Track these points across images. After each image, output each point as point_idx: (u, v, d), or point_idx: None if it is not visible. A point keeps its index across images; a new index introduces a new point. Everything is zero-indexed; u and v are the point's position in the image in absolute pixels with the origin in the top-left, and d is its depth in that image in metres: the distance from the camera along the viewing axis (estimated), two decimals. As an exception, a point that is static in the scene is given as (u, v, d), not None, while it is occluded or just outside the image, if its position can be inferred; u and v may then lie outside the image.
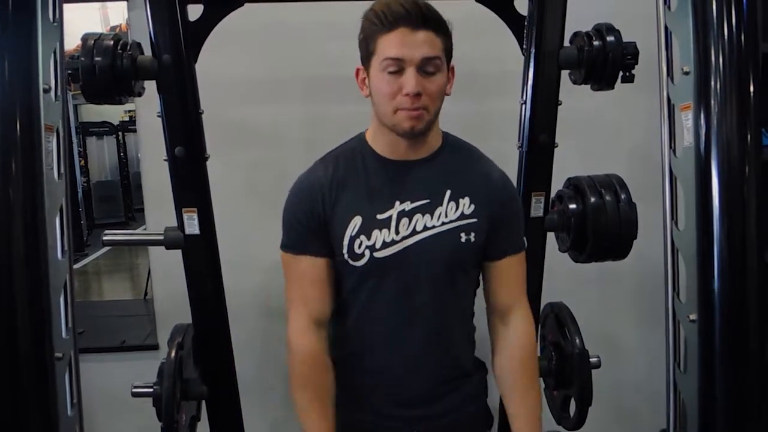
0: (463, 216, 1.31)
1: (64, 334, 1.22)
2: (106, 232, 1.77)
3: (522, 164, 1.86)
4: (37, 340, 1.12)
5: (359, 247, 1.29)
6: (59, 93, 1.24)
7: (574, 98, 1.91)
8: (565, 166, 1.94)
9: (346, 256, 1.30)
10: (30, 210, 1.11)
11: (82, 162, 7.57)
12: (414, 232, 1.29)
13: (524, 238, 1.40)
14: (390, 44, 1.22)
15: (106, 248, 6.43)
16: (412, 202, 1.30)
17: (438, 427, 1.37)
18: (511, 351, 1.38)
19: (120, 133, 7.68)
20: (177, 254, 1.86)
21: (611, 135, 2.58)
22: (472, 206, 1.32)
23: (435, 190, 1.31)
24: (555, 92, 1.79)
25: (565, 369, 1.88)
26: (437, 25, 1.24)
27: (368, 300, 1.33)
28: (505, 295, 1.38)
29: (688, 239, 1.25)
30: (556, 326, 1.94)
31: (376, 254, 1.29)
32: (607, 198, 1.77)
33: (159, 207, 2.35)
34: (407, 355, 1.33)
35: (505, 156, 1.93)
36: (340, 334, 1.39)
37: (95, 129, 7.61)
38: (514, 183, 1.89)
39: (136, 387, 1.79)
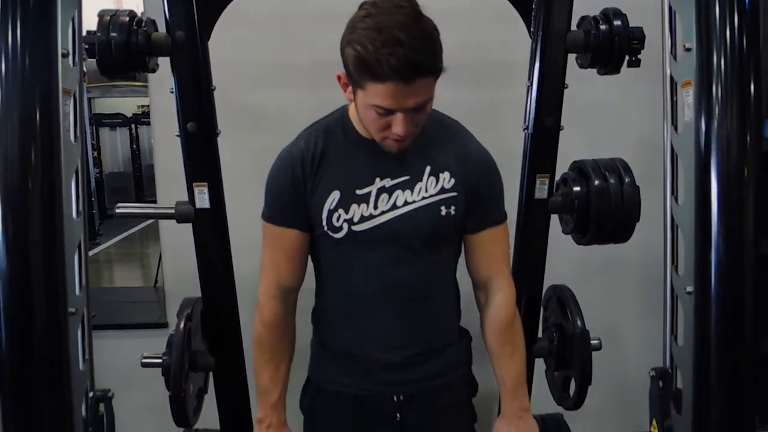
0: (443, 190, 1.34)
1: (77, 291, 1.26)
2: (119, 204, 1.79)
3: (527, 146, 1.88)
4: (52, 294, 1.15)
5: (337, 220, 1.32)
6: (77, 59, 1.27)
7: (583, 85, 1.94)
8: (572, 153, 1.96)
9: (325, 228, 1.34)
10: (48, 168, 1.15)
11: (95, 153, 7.66)
12: (394, 207, 1.32)
13: (504, 210, 1.42)
14: (380, 95, 1.18)
15: (118, 238, 6.52)
16: (392, 179, 1.33)
17: (421, 390, 1.41)
18: (492, 322, 1.42)
19: (133, 126, 7.76)
20: (188, 237, 1.90)
21: (619, 123, 2.60)
22: (452, 180, 1.34)
23: (415, 167, 1.34)
24: (561, 75, 1.81)
25: (566, 350, 1.90)
26: (432, 70, 1.18)
27: (348, 272, 1.37)
28: (484, 268, 1.41)
29: (687, 213, 1.28)
30: (558, 308, 1.96)
31: (354, 227, 1.32)
32: (611, 181, 1.78)
33: (170, 187, 2.40)
34: (389, 325, 1.37)
35: (514, 144, 1.96)
36: (323, 307, 1.44)
37: (108, 120, 7.70)
38: (519, 165, 1.95)
39: (145, 357, 1.82)
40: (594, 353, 1.85)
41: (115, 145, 7.93)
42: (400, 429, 1.42)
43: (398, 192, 1.33)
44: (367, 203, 1.32)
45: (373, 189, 1.33)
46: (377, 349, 1.38)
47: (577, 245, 2.01)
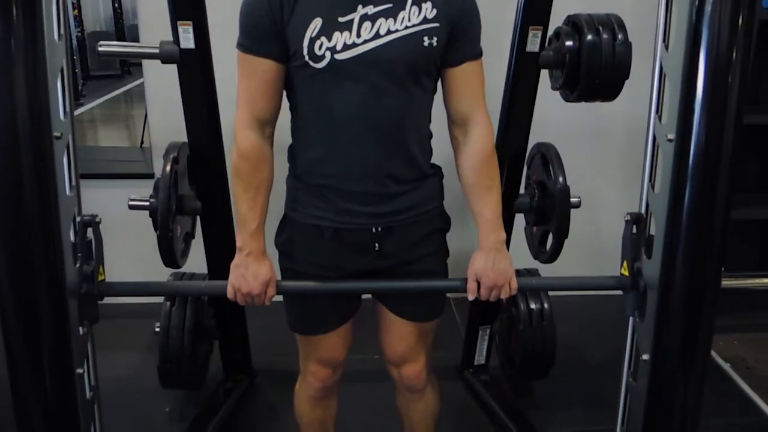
0: (425, 20, 1.33)
1: (62, 117, 1.26)
2: (101, 42, 1.76)
3: (521, -4, 1.84)
4: (36, 118, 1.14)
5: (319, 48, 1.30)
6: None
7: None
8: (569, 11, 1.91)
9: (306, 57, 1.31)
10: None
11: (76, 12, 7.32)
12: (377, 36, 1.31)
13: (481, 47, 1.42)
14: None
15: (102, 99, 6.38)
16: (374, 6, 1.31)
17: (398, 222, 1.45)
18: (471, 156, 1.43)
19: (114, -18, 7.40)
20: (173, 88, 1.87)
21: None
22: (434, 11, 1.33)
23: None
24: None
25: (546, 205, 1.95)
26: None
27: (329, 103, 1.35)
28: (464, 102, 1.42)
29: (676, 61, 1.26)
30: (541, 165, 1.99)
31: (337, 56, 1.30)
32: (604, 36, 1.77)
33: (153, 29, 2.34)
34: (368, 154, 1.38)
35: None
36: (302, 142, 1.44)
37: (88, -26, 7.32)
38: (513, 17, 1.91)
39: (132, 200, 1.84)
40: (572, 218, 1.89)
41: (96, 2, 7.60)
42: (378, 257, 1.47)
43: (381, 20, 1.31)
44: (350, 31, 1.30)
45: (355, 16, 1.31)
46: (357, 180, 1.40)
47: (566, 110, 2.01)
